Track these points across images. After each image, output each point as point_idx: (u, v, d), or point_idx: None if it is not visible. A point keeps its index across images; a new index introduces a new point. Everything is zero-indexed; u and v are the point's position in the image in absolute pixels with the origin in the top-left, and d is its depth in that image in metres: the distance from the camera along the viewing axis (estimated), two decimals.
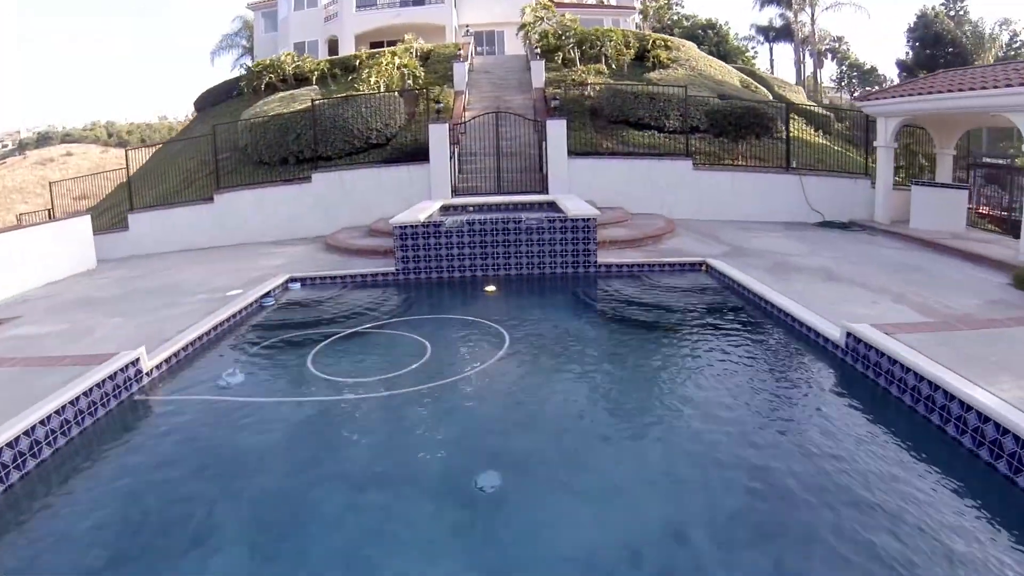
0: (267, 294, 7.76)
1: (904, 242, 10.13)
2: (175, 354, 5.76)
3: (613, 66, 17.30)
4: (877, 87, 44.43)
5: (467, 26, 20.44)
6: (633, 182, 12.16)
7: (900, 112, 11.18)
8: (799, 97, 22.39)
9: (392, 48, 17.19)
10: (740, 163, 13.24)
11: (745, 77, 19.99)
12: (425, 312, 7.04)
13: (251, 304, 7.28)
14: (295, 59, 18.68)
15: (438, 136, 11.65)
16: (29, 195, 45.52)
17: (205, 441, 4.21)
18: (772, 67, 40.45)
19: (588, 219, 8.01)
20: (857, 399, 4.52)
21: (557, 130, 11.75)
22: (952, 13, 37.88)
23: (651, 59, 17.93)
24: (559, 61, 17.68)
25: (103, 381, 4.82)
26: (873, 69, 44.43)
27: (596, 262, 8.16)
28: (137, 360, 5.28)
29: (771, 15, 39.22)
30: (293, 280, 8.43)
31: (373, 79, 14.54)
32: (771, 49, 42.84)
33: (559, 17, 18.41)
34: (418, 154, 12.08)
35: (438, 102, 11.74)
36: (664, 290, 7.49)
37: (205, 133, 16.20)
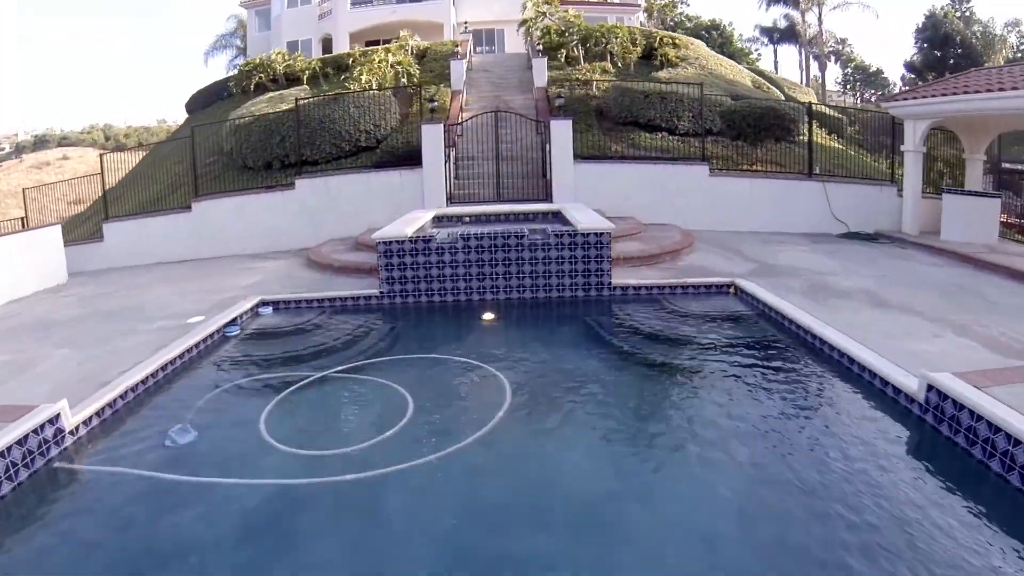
0: (232, 321, 6.68)
1: (941, 257, 9.08)
2: (110, 404, 4.67)
3: (619, 64, 16.20)
4: (884, 89, 43.31)
5: (465, 23, 19.38)
6: (644, 189, 11.07)
7: (931, 114, 10.12)
8: (810, 98, 21.31)
9: (386, 45, 16.09)
10: (758, 168, 12.16)
11: (756, 77, 18.90)
12: (410, 348, 5.93)
13: (211, 335, 6.20)
14: (285, 58, 17.59)
15: (432, 138, 10.55)
16: (39, 193, 44.51)
17: (121, 537, 3.14)
18: (776, 69, 39.31)
19: (601, 233, 6.91)
20: (953, 480, 3.42)
21: (562, 131, 10.65)
22: (959, 14, 36.76)
23: (659, 58, 16.83)
24: (562, 59, 16.58)
25: (9, 448, 3.75)
26: (879, 71, 43.34)
27: (610, 283, 7.07)
28: (57, 417, 4.20)
29: (777, 15, 38.10)
30: (264, 304, 7.34)
31: (364, 77, 13.44)
32: (775, 51, 41.73)
33: (562, 13, 17.31)
34: (410, 158, 10.99)
35: (432, 100, 10.65)
36: (691, 319, 6.40)
37: (188, 136, 15.15)
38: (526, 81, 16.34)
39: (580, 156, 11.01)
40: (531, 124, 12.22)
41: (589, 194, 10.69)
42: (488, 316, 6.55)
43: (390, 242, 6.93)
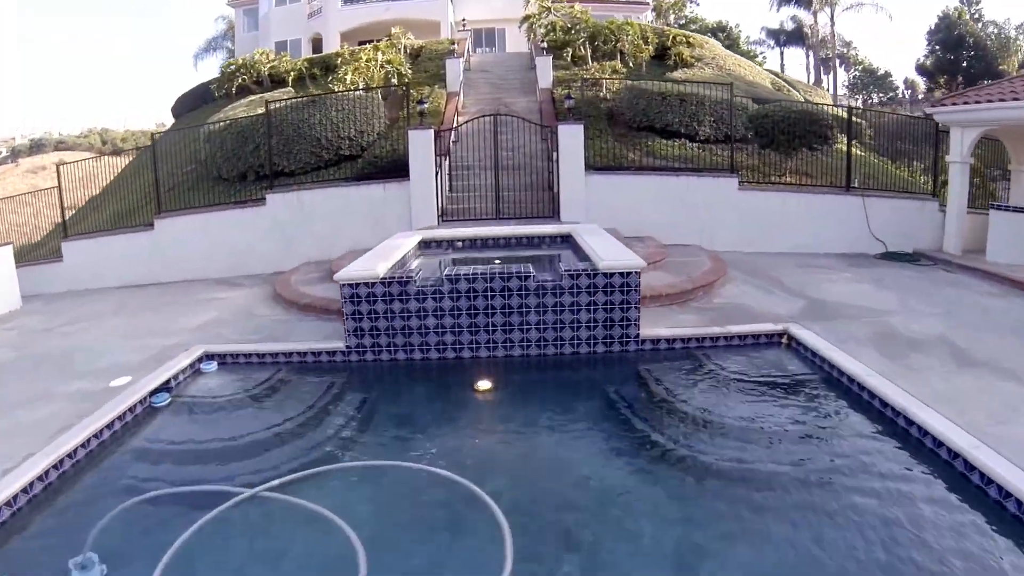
0: (165, 385, 5.04)
1: (994, 284, 7.59)
2: None
3: (631, 64, 14.51)
4: (891, 92, 41.51)
5: (463, 21, 17.71)
6: (665, 204, 9.36)
7: (985, 121, 8.53)
8: (825, 101, 19.54)
9: (375, 44, 14.41)
10: (789, 181, 10.47)
11: (775, 78, 17.20)
12: (376, 441, 4.25)
13: (134, 407, 4.55)
14: (269, 58, 15.92)
15: (421, 146, 8.87)
16: (19, 204, 42.95)
17: None
18: (783, 71, 37.52)
19: (628, 274, 5.21)
20: None
21: (572, 138, 8.95)
22: (972, 15, 34.97)
23: (672, 57, 15.14)
24: (568, 58, 14.88)
25: None
26: (887, 73, 41.57)
27: (638, 336, 5.37)
28: None
29: (786, 16, 36.37)
30: (208, 357, 5.69)
31: (350, 78, 11.76)
32: (782, 53, 39.98)
33: (568, 8, 15.61)
34: (397, 168, 9.31)
35: (421, 102, 8.95)
36: (742, 386, 4.72)
37: (171, 139, 13.47)
38: (528, 82, 14.66)
39: (592, 166, 9.31)
40: (535, 130, 10.54)
41: (601, 210, 9.01)
42: (483, 385, 4.86)
43: (357, 284, 5.24)
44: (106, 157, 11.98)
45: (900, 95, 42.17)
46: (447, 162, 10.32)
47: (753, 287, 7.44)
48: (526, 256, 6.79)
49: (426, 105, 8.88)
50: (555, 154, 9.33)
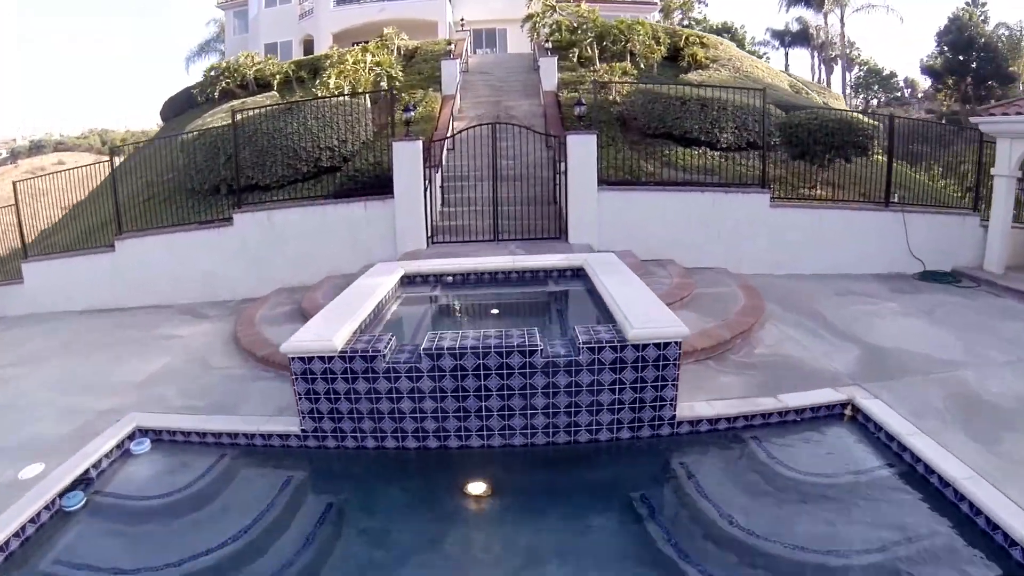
0: (85, 475, 3.76)
1: None
2: None
3: (642, 66, 13.14)
4: (896, 92, 40.03)
5: (462, 21, 16.33)
6: (688, 223, 7.99)
7: None
8: (840, 104, 18.11)
9: (365, 44, 13.05)
10: (822, 196, 9.11)
11: (794, 81, 15.81)
12: (344, 573, 2.96)
13: (37, 516, 3.26)
14: (254, 61, 14.58)
15: (407, 158, 7.50)
16: (61, 180, 41.71)
17: None
18: (787, 71, 36.07)
19: (667, 345, 3.85)
20: None
21: (582, 150, 7.58)
22: (982, 16, 33.48)
23: (686, 58, 13.77)
24: (574, 59, 13.52)
25: None
26: (892, 74, 40.10)
27: (673, 418, 4.02)
28: None
29: (794, 17, 34.95)
30: (142, 432, 4.39)
31: (334, 82, 10.40)
32: (786, 54, 38.50)
33: (574, 8, 14.24)
34: (381, 183, 7.96)
35: (408, 108, 7.58)
36: (798, 488, 3.39)
37: (163, 141, 12.18)
38: (531, 84, 13.29)
39: (604, 180, 7.94)
40: (539, 137, 9.17)
41: (615, 229, 7.69)
42: (476, 489, 3.52)
43: (310, 359, 3.88)
44: (78, 171, 10.60)
45: (902, 95, 40.63)
46: (440, 173, 8.98)
47: (795, 327, 6.08)
48: (529, 299, 5.45)
49: (412, 113, 7.51)
50: (562, 164, 7.98)
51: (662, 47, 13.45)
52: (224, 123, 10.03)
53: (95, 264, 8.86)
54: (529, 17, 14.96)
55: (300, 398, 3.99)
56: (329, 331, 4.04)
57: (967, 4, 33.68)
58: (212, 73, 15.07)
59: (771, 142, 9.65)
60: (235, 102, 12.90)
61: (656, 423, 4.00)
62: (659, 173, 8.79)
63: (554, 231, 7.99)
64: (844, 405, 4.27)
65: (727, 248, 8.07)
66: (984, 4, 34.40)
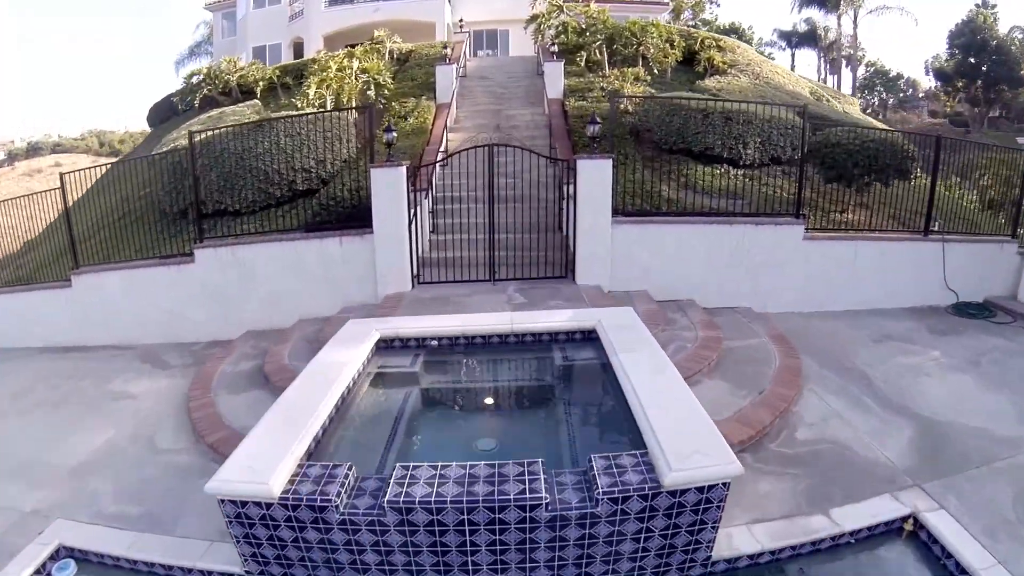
0: None
1: None
2: None
3: (655, 71, 11.79)
4: (903, 94, 38.42)
5: (461, 22, 14.93)
6: (710, 258, 6.65)
7: None
8: (855, 110, 16.67)
9: (350, 49, 11.72)
10: (853, 219, 7.80)
11: (814, 87, 14.41)
12: None
13: None
14: (236, 67, 13.27)
15: (388, 188, 6.17)
16: (13, 208, 40.54)
17: None
18: (793, 71, 34.51)
19: (712, 487, 2.59)
20: None
21: (596, 177, 6.23)
22: (993, 19, 31.87)
23: (702, 63, 12.40)
24: (581, 64, 12.17)
25: None
26: (899, 75, 38.46)
27: (708, 559, 2.76)
28: None
29: (805, 17, 33.38)
30: (67, 552, 3.23)
31: (313, 91, 9.09)
32: (793, 55, 36.93)
33: (583, 8, 12.86)
34: (360, 214, 6.65)
35: (389, 129, 6.23)
36: None
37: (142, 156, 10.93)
38: (535, 91, 11.94)
39: (619, 210, 6.61)
40: (546, 162, 7.82)
41: (628, 265, 6.44)
42: None
43: (244, 503, 2.63)
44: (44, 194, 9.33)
45: (906, 95, 38.97)
46: (429, 196, 7.68)
47: (838, 395, 4.93)
48: (530, 380, 4.17)
49: (394, 135, 6.14)
50: (569, 187, 6.67)
51: (677, 51, 12.09)
52: (196, 140, 8.75)
53: (53, 299, 7.69)
54: (534, 18, 13.59)
55: (238, 541, 2.74)
56: (266, 465, 2.77)
57: (977, 5, 32.10)
58: (194, 80, 13.78)
59: (793, 155, 8.36)
60: (214, 112, 11.63)
61: (687, 566, 2.75)
62: (681, 200, 7.46)
63: (559, 268, 6.68)
64: (905, 519, 3.29)
65: (753, 284, 6.78)
66: (994, 5, 32.81)
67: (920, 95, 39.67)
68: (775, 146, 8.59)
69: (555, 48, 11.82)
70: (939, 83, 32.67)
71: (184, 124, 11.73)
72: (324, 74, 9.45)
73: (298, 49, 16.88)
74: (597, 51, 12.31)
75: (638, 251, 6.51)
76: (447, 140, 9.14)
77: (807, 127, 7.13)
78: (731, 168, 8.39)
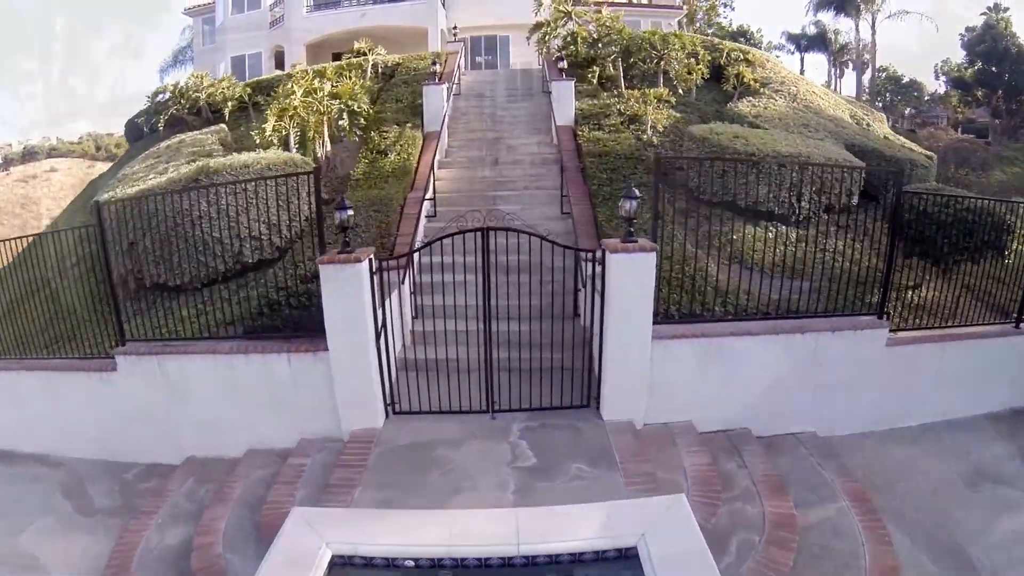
0: None
1: None
2: None
3: (680, 90, 9.83)
4: (920, 102, 36.13)
5: (455, 29, 12.82)
6: (769, 374, 4.78)
7: None
8: (884, 128, 14.50)
9: (337, 57, 9.75)
10: (932, 297, 5.96)
11: (852, 108, 12.39)
12: None
13: None
14: (204, 83, 11.29)
15: (343, 289, 4.29)
16: (6, 215, 38.47)
17: None
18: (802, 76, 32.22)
19: None
20: None
21: (633, 277, 4.27)
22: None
23: (730, 80, 10.42)
24: (594, 80, 10.20)
25: None
26: (912, 82, 36.10)
27: None
28: None
29: (814, 20, 31.06)
30: None
31: (271, 126, 7.17)
32: (802, 59, 34.59)
33: (594, 15, 10.83)
34: (318, 317, 4.78)
35: (342, 206, 4.29)
36: None
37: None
38: (540, 114, 9.98)
39: (657, 312, 4.72)
40: (551, 197, 5.97)
41: (669, 387, 4.61)
42: None
43: None
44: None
45: (923, 105, 36.64)
46: (411, 268, 5.82)
47: None
48: None
49: (348, 213, 4.21)
50: (588, 264, 4.79)
51: (703, 66, 10.10)
52: (140, 188, 6.86)
53: None
54: (538, 26, 11.54)
55: None
56: None
57: (988, 9, 29.78)
58: (159, 98, 11.84)
59: (849, 203, 6.57)
60: (175, 139, 9.66)
61: None
62: (731, 285, 5.58)
63: (578, 390, 4.74)
64: None
65: (819, 402, 5.00)
66: (1007, 9, 30.47)
67: (927, 97, 37.33)
68: (829, 194, 6.80)
69: (563, 64, 9.83)
70: (958, 91, 30.39)
71: (145, 152, 9.84)
72: (287, 101, 7.51)
73: (280, 59, 14.77)
74: (611, 65, 10.33)
75: (684, 371, 4.65)
76: (434, 182, 7.23)
77: (899, 196, 5.17)
78: (782, 226, 6.55)
